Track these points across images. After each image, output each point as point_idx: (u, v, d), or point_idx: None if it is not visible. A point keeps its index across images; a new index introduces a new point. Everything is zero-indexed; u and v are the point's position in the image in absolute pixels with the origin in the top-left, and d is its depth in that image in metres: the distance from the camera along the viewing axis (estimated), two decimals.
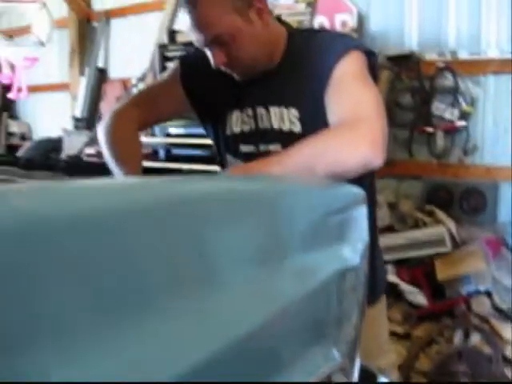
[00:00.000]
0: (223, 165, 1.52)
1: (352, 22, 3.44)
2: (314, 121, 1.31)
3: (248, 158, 1.42)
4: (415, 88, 3.30)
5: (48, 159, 1.65)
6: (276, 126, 1.38)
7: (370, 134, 1.11)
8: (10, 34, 5.41)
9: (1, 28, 5.20)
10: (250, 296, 0.59)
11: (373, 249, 1.27)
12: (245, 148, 1.44)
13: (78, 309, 0.38)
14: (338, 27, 3.44)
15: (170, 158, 3.53)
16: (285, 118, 1.36)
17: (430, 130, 3.27)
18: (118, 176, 1.34)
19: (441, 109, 3.24)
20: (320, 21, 3.44)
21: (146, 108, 1.50)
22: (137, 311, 0.43)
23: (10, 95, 5.31)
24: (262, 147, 1.41)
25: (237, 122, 1.44)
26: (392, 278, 3.09)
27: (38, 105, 6.19)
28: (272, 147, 1.39)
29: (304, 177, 1.08)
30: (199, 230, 0.54)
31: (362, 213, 1.14)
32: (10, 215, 0.36)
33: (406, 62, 3.32)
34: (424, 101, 3.28)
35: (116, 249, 0.42)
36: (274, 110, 1.38)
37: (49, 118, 6.00)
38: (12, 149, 5.96)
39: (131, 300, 0.43)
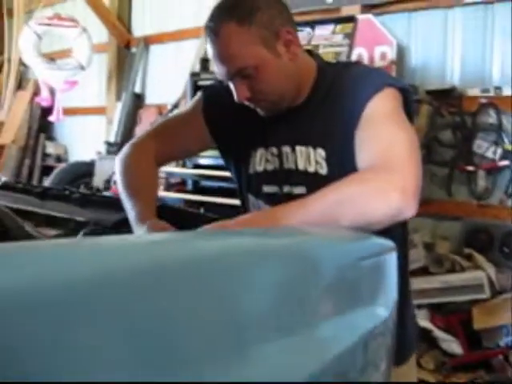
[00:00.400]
0: (244, 204, 1.42)
1: (391, 54, 3.35)
2: (342, 162, 1.20)
3: (270, 199, 1.32)
4: (456, 124, 3.19)
5: (64, 190, 1.58)
6: (301, 166, 1.28)
7: (401, 181, 1.00)
8: (52, 57, 5.48)
9: (42, 50, 5.24)
10: (281, 363, 0.57)
11: (403, 303, 1.15)
12: (267, 188, 1.34)
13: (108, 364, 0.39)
14: (377, 59, 3.34)
15: (199, 189, 3.45)
16: (311, 158, 1.26)
17: (470, 168, 3.15)
18: (130, 211, 1.24)
19: (483, 147, 3.11)
20: (358, 52, 3.36)
21: (164, 141, 1.41)
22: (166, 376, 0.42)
23: (51, 118, 5.36)
24: (286, 189, 1.31)
25: (260, 161, 1.35)
26: (425, 323, 2.94)
27: (74, 127, 6.24)
28: (296, 190, 1.28)
29: (329, 228, 0.97)
30: (226, 292, 0.52)
31: (391, 267, 1.06)
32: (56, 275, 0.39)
33: (446, 97, 3.22)
34: (465, 138, 3.16)
35: (142, 308, 0.42)
36: (301, 150, 1.28)
37: (85, 140, 6.05)
38: (47, 170, 6.00)
39: (161, 364, 0.42)
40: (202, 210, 1.32)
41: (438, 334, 2.94)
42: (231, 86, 1.25)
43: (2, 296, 0.34)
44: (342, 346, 0.72)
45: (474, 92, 3.19)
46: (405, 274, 1.32)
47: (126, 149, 1.41)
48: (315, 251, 0.76)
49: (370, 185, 1.00)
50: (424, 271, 3.05)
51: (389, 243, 1.05)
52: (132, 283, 0.43)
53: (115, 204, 1.34)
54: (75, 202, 1.50)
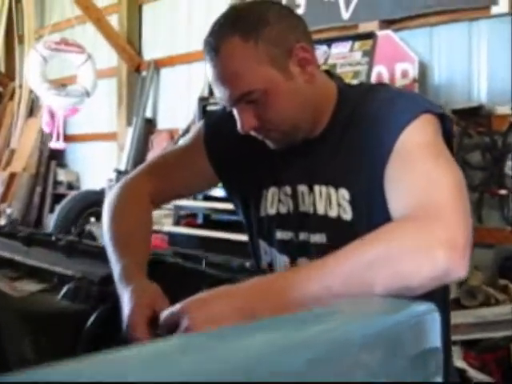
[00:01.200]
0: (256, 253, 1.22)
1: (413, 72, 3.19)
2: (370, 206, 1.00)
3: (285, 247, 1.13)
4: (485, 145, 3.04)
5: (50, 235, 1.41)
6: (321, 210, 1.07)
7: (447, 234, 0.79)
8: (63, 83, 5.39)
9: (51, 75, 5.16)
10: None
11: (446, 367, 0.94)
12: (281, 234, 1.14)
13: None
14: (399, 78, 3.17)
15: (210, 223, 3.26)
16: (332, 200, 1.05)
17: (502, 192, 2.99)
18: (114, 266, 1.03)
19: None
20: (378, 70, 3.18)
21: (161, 177, 1.23)
22: None
23: (52, 144, 5.30)
24: (302, 236, 1.10)
25: (272, 202, 1.15)
26: (458, 362, 2.71)
27: (85, 154, 6.12)
28: (314, 238, 1.08)
29: (358, 301, 0.76)
30: None
31: (434, 329, 0.89)
32: None
33: (474, 116, 3.08)
34: (496, 159, 3.01)
35: None
36: (320, 190, 1.07)
37: (96, 167, 5.91)
38: (59, 198, 5.86)
39: None
40: (203, 264, 1.11)
41: (473, 374, 2.71)
42: (235, 113, 1.06)
43: None
44: None
45: (503, 110, 3.03)
46: (447, 341, 1.11)
47: (116, 189, 1.22)
48: (351, 338, 0.65)
49: (408, 240, 0.80)
50: (455, 304, 2.84)
51: (430, 307, 0.87)
52: None
53: (103, 254, 1.15)
54: (62, 249, 1.32)
